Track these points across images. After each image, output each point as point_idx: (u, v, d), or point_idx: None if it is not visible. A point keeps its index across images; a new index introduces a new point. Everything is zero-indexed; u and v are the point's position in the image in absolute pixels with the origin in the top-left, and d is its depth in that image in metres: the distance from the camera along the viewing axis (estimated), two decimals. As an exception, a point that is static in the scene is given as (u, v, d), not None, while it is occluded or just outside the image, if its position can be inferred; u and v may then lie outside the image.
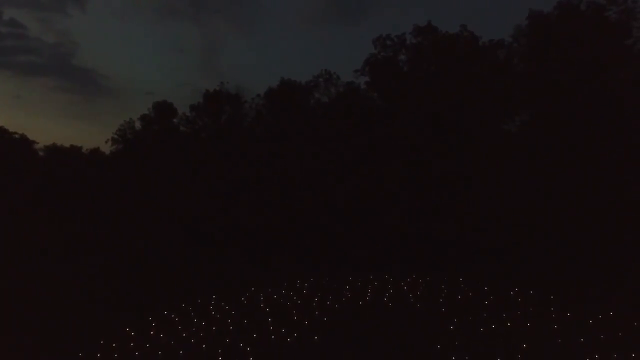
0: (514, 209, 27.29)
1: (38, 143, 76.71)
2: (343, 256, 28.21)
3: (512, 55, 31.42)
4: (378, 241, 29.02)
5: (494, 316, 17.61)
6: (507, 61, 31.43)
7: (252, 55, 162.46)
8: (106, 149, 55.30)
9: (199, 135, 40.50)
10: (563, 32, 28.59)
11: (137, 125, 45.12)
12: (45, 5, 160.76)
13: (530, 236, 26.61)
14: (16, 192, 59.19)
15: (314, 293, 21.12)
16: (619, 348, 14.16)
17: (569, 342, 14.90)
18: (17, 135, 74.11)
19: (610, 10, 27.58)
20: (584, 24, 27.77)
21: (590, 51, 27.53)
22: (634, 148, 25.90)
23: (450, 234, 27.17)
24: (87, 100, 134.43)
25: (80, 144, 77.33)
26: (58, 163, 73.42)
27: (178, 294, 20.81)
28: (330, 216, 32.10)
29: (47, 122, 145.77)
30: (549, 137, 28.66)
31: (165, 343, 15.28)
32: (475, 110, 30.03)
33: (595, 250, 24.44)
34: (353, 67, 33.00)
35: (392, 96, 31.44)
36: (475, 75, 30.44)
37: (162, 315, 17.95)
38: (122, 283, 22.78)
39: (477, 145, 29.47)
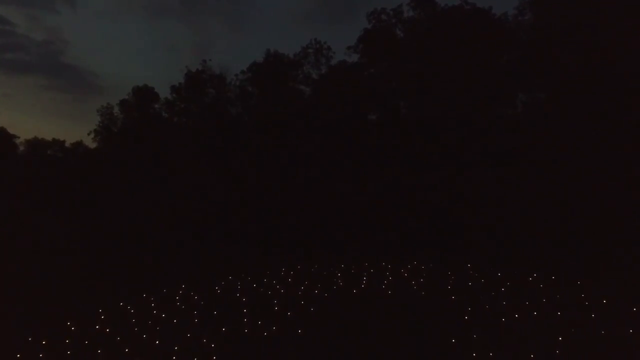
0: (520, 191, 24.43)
1: (19, 137, 72.34)
2: (337, 243, 24.89)
3: (517, 29, 28.50)
4: (387, 227, 25.64)
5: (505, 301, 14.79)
6: (510, 35, 28.50)
7: (243, 53, 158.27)
8: (90, 142, 51.50)
9: (181, 120, 36.92)
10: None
11: (116, 110, 41.40)
12: (33, 2, 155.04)
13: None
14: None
15: (302, 281, 17.74)
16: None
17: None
18: (-4, 129, 69.97)
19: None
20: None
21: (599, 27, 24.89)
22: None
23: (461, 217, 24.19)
24: (77, 99, 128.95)
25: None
26: (38, 156, 69.45)
27: (160, 281, 17.71)
28: (326, 201, 28.79)
29: (36, 120, 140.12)
30: (552, 117, 25.89)
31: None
32: (479, 86, 27.02)
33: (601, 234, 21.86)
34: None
35: (388, 73, 28.28)
36: (477, 50, 27.42)
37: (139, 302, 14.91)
38: (107, 272, 19.61)
39: (481, 123, 26.44)
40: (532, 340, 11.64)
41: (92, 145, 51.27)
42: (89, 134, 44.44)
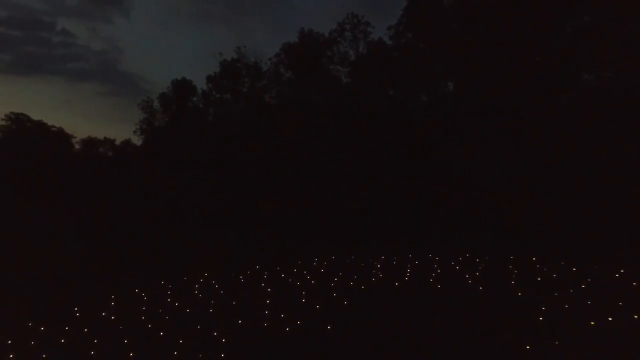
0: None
1: (75, 137, 75.62)
2: (377, 235, 22.39)
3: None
4: (438, 217, 22.81)
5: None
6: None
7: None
8: (136, 140, 52.40)
9: (217, 110, 35.83)
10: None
11: (156, 104, 41.28)
12: (93, 15, 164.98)
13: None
14: (51, 179, 57.69)
15: (336, 272, 15.40)
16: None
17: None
18: (54, 129, 73.36)
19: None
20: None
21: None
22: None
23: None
24: (130, 103, 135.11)
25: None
26: (90, 154, 72.15)
27: (186, 269, 16.02)
28: (364, 191, 26.32)
29: (94, 124, 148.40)
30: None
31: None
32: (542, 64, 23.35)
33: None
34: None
35: (435, 49, 25.22)
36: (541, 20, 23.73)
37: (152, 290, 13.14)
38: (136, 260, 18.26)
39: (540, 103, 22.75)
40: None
41: (138, 142, 52.21)
42: (135, 132, 44.80)
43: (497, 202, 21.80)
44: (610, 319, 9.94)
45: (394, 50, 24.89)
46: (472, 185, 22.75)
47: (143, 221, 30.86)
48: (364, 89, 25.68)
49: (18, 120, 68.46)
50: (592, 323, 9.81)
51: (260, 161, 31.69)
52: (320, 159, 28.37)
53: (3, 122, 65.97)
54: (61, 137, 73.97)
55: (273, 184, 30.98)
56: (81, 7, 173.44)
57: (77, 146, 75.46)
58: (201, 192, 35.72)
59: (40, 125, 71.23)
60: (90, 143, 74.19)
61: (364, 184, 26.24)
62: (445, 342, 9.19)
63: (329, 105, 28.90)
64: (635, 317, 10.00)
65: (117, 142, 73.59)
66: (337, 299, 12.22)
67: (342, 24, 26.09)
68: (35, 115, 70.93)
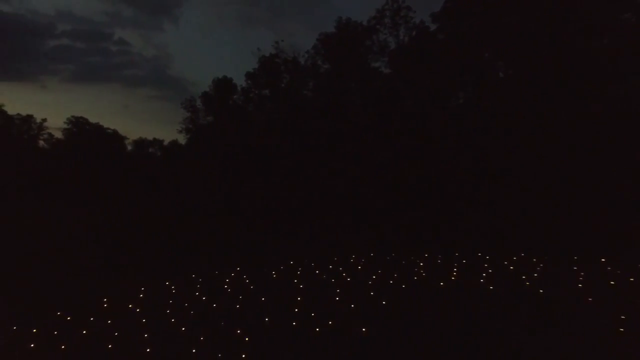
0: None
1: (128, 138, 79.33)
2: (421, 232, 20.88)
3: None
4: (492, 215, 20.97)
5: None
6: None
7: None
8: (182, 139, 53.56)
9: (256, 107, 35.61)
10: None
11: (198, 103, 41.88)
12: (145, 24, 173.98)
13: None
14: (106, 177, 60.76)
15: (374, 270, 14.22)
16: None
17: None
18: (110, 131, 77.31)
19: None
20: None
21: None
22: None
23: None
24: (179, 106, 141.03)
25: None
26: (140, 154, 75.38)
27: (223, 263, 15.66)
28: (401, 185, 24.84)
29: (147, 127, 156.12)
30: None
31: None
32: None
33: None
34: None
35: (482, 35, 23.23)
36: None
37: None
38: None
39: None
40: None
41: (183, 141, 53.39)
42: (179, 131, 45.73)
43: (547, 200, 19.61)
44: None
45: (438, 32, 23.09)
46: (519, 183, 20.59)
47: (185, 216, 31.19)
48: (405, 80, 24.15)
49: (78, 123, 72.87)
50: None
51: (297, 157, 31.02)
52: (358, 157, 27.15)
53: (65, 126, 70.61)
54: (115, 138, 77.90)
55: (310, 180, 30.17)
56: (135, 18, 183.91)
57: (129, 147, 79.26)
58: (241, 188, 35.68)
59: (97, 128, 75.44)
60: (141, 144, 77.57)
61: (402, 183, 24.73)
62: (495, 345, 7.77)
63: (368, 99, 27.64)
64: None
65: (165, 142, 76.34)
66: (375, 299, 11.05)
67: (382, 10, 24.68)
68: (95, 119, 75.19)
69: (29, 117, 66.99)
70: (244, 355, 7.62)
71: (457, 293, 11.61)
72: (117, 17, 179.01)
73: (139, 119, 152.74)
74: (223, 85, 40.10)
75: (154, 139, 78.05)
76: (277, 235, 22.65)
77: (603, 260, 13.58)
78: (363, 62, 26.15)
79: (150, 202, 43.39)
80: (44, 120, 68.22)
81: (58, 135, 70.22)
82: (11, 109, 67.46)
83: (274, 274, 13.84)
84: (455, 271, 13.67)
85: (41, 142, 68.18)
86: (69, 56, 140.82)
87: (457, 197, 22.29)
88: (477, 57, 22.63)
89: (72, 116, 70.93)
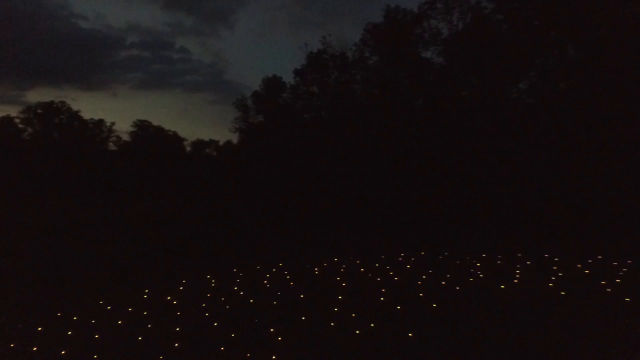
0: None
1: (186, 140, 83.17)
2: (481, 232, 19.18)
3: None
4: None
5: None
6: None
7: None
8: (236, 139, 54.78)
9: (304, 104, 35.31)
10: None
11: (249, 102, 42.49)
12: (204, 32, 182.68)
13: None
14: (166, 176, 64.13)
15: (425, 270, 13.02)
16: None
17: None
18: (170, 133, 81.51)
19: None
20: None
21: None
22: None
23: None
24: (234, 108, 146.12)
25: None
26: (198, 154, 78.74)
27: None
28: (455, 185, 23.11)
29: (205, 129, 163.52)
30: None
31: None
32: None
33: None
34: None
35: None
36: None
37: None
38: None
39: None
40: None
41: (235, 140, 54.70)
42: (231, 131, 46.82)
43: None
44: None
45: (496, 12, 21.01)
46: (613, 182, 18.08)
47: (235, 212, 31.59)
48: (458, 70, 22.37)
49: (142, 126, 77.71)
50: None
51: (345, 155, 30.17)
52: (409, 154, 25.71)
53: (131, 129, 75.69)
54: (175, 139, 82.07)
55: (359, 178, 29.18)
56: (195, 26, 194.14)
57: (188, 148, 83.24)
58: (289, 186, 35.55)
59: (159, 130, 79.95)
60: (198, 144, 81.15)
61: (459, 179, 22.98)
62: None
63: (419, 92, 26.11)
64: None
65: (220, 143, 79.15)
66: (424, 301, 9.93)
67: (433, -6, 23.08)
68: (158, 123, 79.90)
69: (100, 122, 72.52)
70: (274, 357, 6.95)
71: (519, 296, 10.14)
72: (178, 27, 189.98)
73: (198, 122, 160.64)
74: (273, 84, 40.34)
75: (210, 139, 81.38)
76: (324, 232, 21.96)
77: None
78: (413, 52, 24.66)
79: (207, 198, 44.82)
80: (113, 123, 73.58)
81: (125, 137, 75.40)
82: (86, 115, 73.35)
83: (316, 271, 13.14)
84: (518, 273, 12.09)
85: (110, 144, 73.62)
86: (137, 65, 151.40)
87: (532, 197, 20.21)
88: (543, 37, 20.32)
89: (138, 120, 75.72)
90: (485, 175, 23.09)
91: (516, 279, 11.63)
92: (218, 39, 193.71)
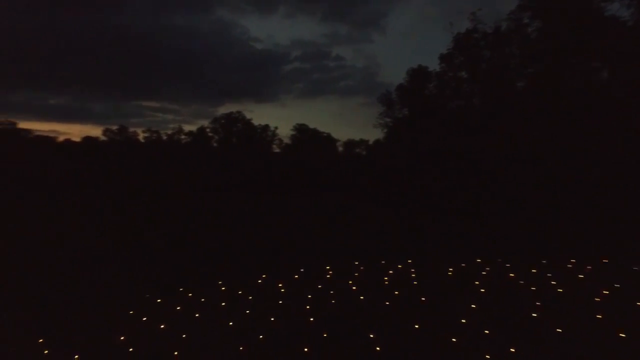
0: None
1: (339, 140, 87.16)
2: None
3: None
4: None
5: None
6: None
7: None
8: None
9: (452, 92, 31.98)
10: None
11: (394, 97, 41.08)
12: (357, 38, 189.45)
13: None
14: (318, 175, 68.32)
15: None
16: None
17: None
18: (324, 134, 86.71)
19: None
20: None
21: None
22: None
23: None
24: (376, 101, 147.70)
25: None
26: (349, 154, 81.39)
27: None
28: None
29: (359, 131, 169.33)
30: None
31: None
32: None
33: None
34: None
35: None
36: None
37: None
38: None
39: None
40: None
41: (381, 136, 54.08)
42: (375, 126, 46.35)
43: None
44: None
45: None
46: None
47: (379, 209, 30.88)
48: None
49: (300, 129, 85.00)
50: None
51: (500, 151, 26.00)
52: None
53: (292, 132, 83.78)
54: (329, 141, 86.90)
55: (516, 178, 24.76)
56: (349, 34, 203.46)
57: (340, 148, 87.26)
58: (437, 184, 32.88)
59: (315, 132, 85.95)
60: (349, 145, 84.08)
61: None
62: None
63: (608, 59, 20.37)
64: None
65: (370, 142, 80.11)
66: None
67: None
68: (315, 126, 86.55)
69: (266, 127, 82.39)
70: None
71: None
72: (334, 37, 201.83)
73: (351, 125, 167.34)
74: (418, 74, 38.16)
75: (360, 139, 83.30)
76: (470, 233, 19.30)
77: None
78: (591, 9, 19.34)
79: (352, 196, 45.57)
80: (276, 128, 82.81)
81: (286, 140, 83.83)
82: (256, 123, 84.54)
83: (450, 271, 11.26)
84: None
85: (274, 146, 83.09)
86: (299, 77, 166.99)
87: None
88: None
89: (297, 124, 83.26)
90: None
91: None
92: (370, 43, 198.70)
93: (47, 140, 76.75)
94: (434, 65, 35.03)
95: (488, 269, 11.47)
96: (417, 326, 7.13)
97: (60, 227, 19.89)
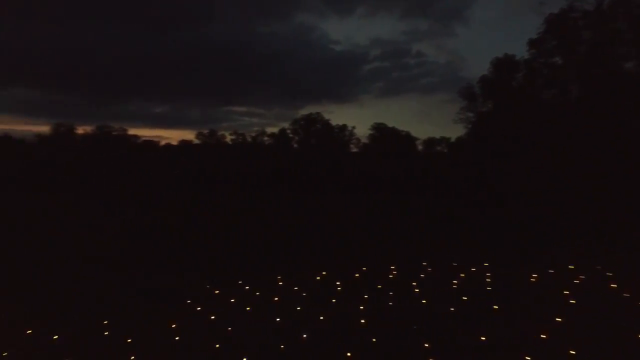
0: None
1: (419, 139, 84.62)
2: None
3: None
4: None
5: None
6: None
7: None
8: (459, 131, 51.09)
9: (543, 80, 28.53)
10: None
11: (477, 89, 37.97)
12: (439, 33, 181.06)
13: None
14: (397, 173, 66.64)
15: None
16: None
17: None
18: (403, 133, 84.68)
19: None
20: None
21: None
22: None
23: None
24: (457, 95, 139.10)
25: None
26: (429, 152, 78.23)
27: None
28: None
29: (440, 129, 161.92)
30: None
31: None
32: None
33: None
34: None
35: None
36: None
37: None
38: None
39: None
40: None
41: (462, 132, 50.52)
42: (455, 122, 43.64)
43: None
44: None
45: None
46: None
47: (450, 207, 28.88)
48: None
49: (379, 128, 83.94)
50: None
51: (605, 147, 22.62)
52: None
53: (369, 132, 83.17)
54: (408, 139, 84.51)
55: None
56: (430, 30, 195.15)
57: (420, 147, 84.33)
58: (527, 184, 29.79)
59: (393, 131, 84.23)
60: (429, 143, 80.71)
61: None
62: None
63: None
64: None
65: (452, 139, 75.96)
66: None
67: None
68: (394, 125, 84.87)
69: (344, 127, 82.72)
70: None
71: None
72: (414, 33, 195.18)
73: (433, 123, 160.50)
74: (503, 64, 34.87)
75: (442, 137, 79.49)
76: (565, 237, 17.10)
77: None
78: None
79: (429, 195, 43.40)
80: (354, 127, 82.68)
81: (364, 140, 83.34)
82: (335, 123, 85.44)
83: (533, 278, 9.98)
84: None
85: (351, 146, 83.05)
86: (379, 76, 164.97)
87: None
88: None
89: (375, 123, 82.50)
90: None
91: None
92: (453, 37, 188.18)
93: (151, 144, 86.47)
94: (521, 54, 31.68)
95: (583, 277, 9.98)
96: (483, 338, 6.33)
97: (159, 221, 21.64)
